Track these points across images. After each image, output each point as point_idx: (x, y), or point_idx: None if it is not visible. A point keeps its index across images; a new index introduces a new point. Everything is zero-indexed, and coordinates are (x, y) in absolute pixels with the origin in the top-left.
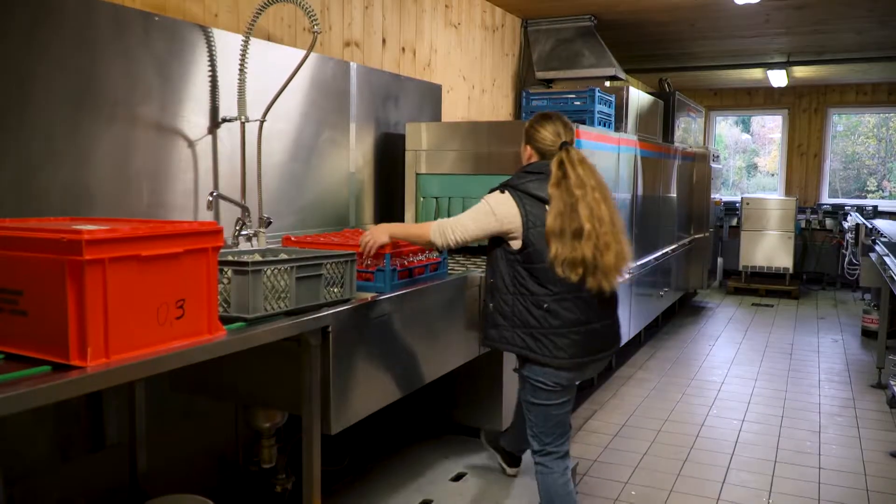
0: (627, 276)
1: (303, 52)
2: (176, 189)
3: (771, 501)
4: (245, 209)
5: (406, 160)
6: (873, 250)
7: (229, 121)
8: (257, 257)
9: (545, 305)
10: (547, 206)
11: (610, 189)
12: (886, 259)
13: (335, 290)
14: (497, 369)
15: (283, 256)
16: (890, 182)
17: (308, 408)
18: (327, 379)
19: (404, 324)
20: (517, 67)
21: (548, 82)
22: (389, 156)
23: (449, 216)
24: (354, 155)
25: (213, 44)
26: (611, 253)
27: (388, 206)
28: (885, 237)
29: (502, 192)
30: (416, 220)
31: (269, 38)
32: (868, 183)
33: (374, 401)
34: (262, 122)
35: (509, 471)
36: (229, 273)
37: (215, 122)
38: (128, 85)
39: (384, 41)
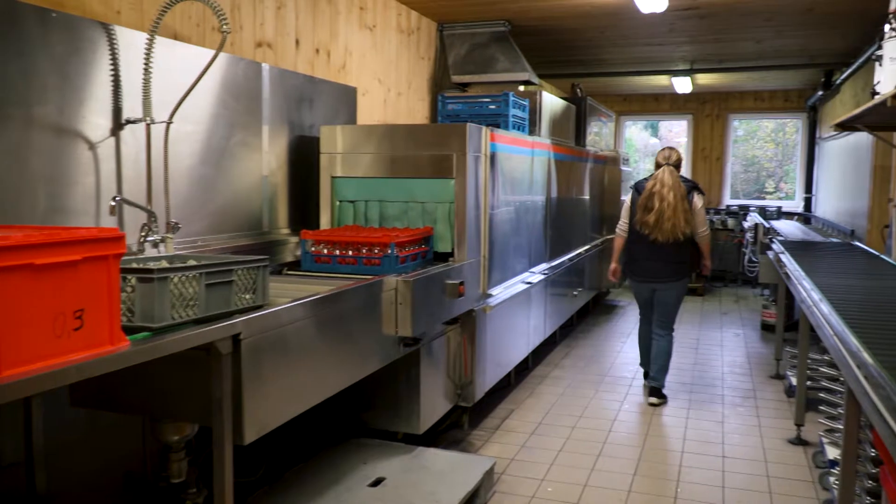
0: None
1: (212, 52)
2: (76, 194)
3: (679, 490)
4: (151, 214)
5: (321, 163)
6: (771, 248)
7: (134, 122)
8: (164, 264)
9: (631, 244)
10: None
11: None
12: (782, 256)
13: (247, 296)
14: (414, 371)
15: (192, 263)
16: (786, 184)
17: (219, 419)
18: (239, 388)
19: (320, 328)
20: (433, 71)
21: (463, 86)
22: (304, 159)
23: (366, 220)
24: (268, 158)
25: (115, 42)
26: (668, 223)
27: (304, 209)
28: (782, 236)
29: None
30: (332, 225)
31: (175, 37)
32: (767, 185)
33: (289, 408)
34: (168, 124)
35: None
36: (133, 281)
37: (118, 124)
38: (23, 84)
39: (298, 42)
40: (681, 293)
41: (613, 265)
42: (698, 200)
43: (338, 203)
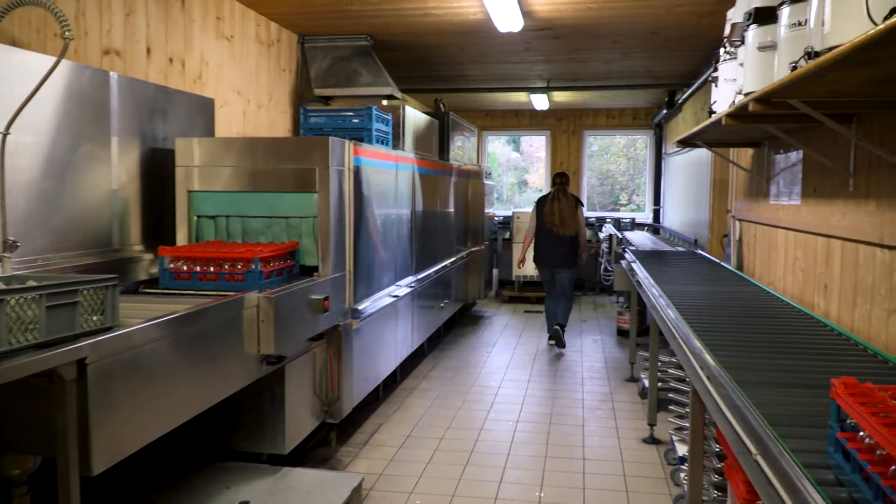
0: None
1: (53, 59)
2: None
3: (542, 494)
4: None
5: (176, 177)
6: (624, 258)
7: None
8: (0, 285)
9: (538, 242)
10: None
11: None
12: (633, 265)
13: (94, 318)
14: (279, 389)
15: (31, 283)
16: (638, 196)
17: (63, 449)
18: (86, 415)
19: (176, 349)
20: (295, 83)
21: (326, 99)
22: (159, 172)
23: (228, 236)
24: (117, 171)
25: None
26: (567, 223)
27: (159, 225)
28: (633, 246)
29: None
30: (190, 241)
31: (14, 44)
32: (621, 197)
33: (143, 435)
34: (4, 135)
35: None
36: None
37: None
38: None
39: (149, 51)
40: (573, 276)
41: (521, 257)
42: (581, 210)
43: (196, 218)
